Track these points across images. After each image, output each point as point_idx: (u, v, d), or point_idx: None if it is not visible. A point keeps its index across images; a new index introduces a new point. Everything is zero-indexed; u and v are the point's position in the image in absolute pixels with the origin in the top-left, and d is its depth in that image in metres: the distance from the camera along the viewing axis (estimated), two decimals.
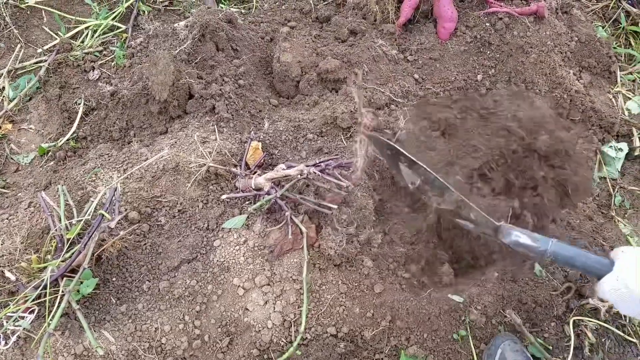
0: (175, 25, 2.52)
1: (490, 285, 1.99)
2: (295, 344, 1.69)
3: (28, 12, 2.81)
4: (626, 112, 2.63)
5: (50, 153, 2.35)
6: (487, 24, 2.51)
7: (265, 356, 1.73)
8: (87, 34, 2.76)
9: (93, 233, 1.65)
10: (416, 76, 2.51)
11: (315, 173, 1.85)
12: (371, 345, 1.80)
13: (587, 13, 2.89)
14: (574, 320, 1.88)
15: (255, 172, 2.06)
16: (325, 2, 2.94)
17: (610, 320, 1.91)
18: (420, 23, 2.67)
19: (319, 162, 1.92)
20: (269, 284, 1.81)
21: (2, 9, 2.72)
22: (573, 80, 2.55)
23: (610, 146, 2.46)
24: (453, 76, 2.49)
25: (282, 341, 1.75)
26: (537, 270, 1.96)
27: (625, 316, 1.94)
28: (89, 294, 1.71)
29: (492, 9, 2.51)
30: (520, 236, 1.47)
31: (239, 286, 1.80)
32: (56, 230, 1.75)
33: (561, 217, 2.15)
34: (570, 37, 2.64)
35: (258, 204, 1.90)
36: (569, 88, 2.50)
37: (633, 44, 2.94)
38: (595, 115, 2.51)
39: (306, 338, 1.77)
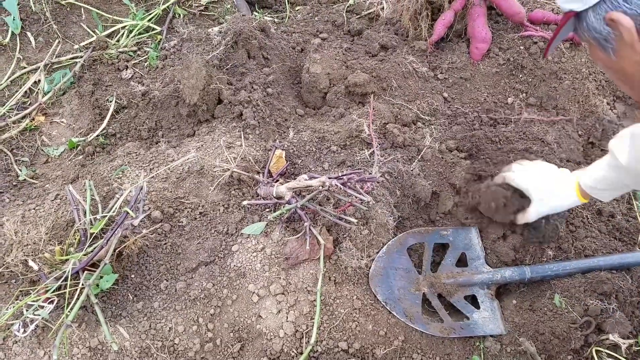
0: (209, 30, 2.57)
1: (507, 312, 1.96)
2: (304, 355, 1.68)
3: (67, 9, 2.89)
4: None
5: (79, 147, 2.41)
6: (521, 47, 2.48)
7: None
8: (123, 34, 2.83)
9: (117, 229, 1.67)
10: (445, 95, 2.50)
11: (337, 186, 1.85)
12: None
13: None
14: (591, 356, 1.83)
15: (277, 181, 2.07)
16: (358, 16, 2.95)
17: (630, 358, 1.85)
18: (452, 42, 2.67)
19: (342, 175, 1.91)
20: (283, 293, 1.81)
21: (44, 4, 2.81)
22: (606, 109, 2.51)
23: None
24: (483, 97, 2.48)
25: (293, 352, 1.74)
26: (557, 301, 1.92)
27: None
28: (107, 289, 1.74)
29: (528, 32, 2.49)
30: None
31: (253, 292, 1.80)
32: (81, 224, 1.78)
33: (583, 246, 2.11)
34: None
35: (278, 212, 1.91)
36: (601, 117, 2.46)
37: None
38: None
39: (317, 351, 1.76)
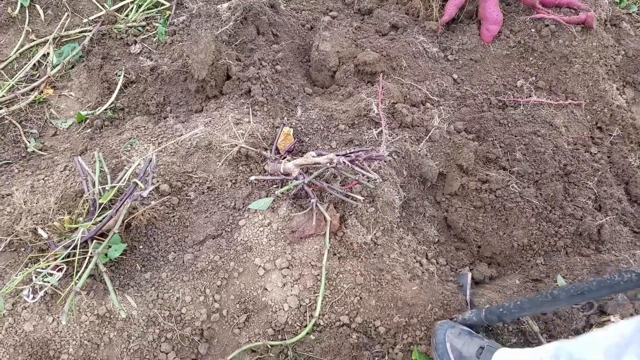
0: (219, 6, 2.55)
1: (510, 292, 1.97)
2: (307, 328, 1.71)
3: None
4: None
5: (88, 121, 2.42)
6: (533, 30, 2.46)
7: (280, 337, 1.76)
8: (132, 8, 2.81)
9: (126, 199, 1.69)
10: (455, 76, 2.49)
11: (344, 163, 1.86)
12: (385, 339, 1.81)
13: (636, 28, 2.82)
14: None
15: (284, 157, 2.07)
16: None
17: None
18: (463, 23, 2.65)
19: (349, 153, 1.92)
20: (288, 267, 1.83)
21: None
22: (615, 94, 2.49)
23: None
24: (492, 79, 2.46)
25: (297, 324, 1.77)
26: (560, 281, 1.93)
27: None
28: (115, 259, 1.76)
29: (539, 14, 2.47)
30: None
31: (259, 266, 1.82)
32: (90, 194, 1.80)
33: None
34: (617, 51, 2.57)
35: (285, 187, 1.92)
36: (610, 102, 2.45)
37: None
38: (634, 133, 2.45)
39: (320, 324, 1.78)
